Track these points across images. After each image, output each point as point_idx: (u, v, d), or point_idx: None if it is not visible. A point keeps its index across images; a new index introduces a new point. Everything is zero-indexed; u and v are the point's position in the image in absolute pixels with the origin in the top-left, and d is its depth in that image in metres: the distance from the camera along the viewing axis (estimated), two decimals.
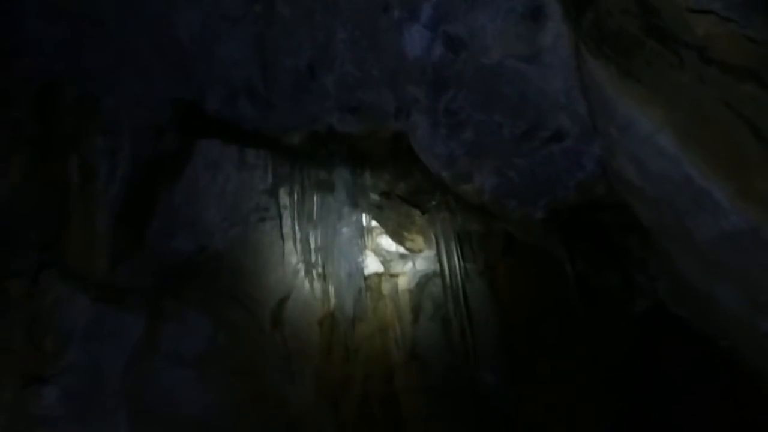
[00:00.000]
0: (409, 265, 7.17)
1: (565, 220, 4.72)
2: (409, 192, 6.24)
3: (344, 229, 6.19)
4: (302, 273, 5.98)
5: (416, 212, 6.44)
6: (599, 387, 6.06)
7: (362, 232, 6.43)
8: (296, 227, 5.87)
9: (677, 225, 3.28)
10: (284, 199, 5.83)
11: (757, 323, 3.13)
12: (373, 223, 6.70)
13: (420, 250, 6.89)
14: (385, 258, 7.06)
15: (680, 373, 5.47)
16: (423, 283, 7.17)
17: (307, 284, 6.00)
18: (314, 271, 6.04)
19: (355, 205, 6.14)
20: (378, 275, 7.10)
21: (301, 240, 5.90)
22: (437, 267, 6.58)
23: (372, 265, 7.04)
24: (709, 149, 2.96)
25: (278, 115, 5.28)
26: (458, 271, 6.38)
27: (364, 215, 6.43)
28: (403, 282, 7.21)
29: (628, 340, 5.89)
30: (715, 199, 2.91)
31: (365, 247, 6.61)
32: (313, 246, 5.98)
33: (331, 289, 6.10)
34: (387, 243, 6.91)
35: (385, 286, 7.13)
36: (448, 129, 4.46)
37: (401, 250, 6.92)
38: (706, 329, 3.99)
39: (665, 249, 3.71)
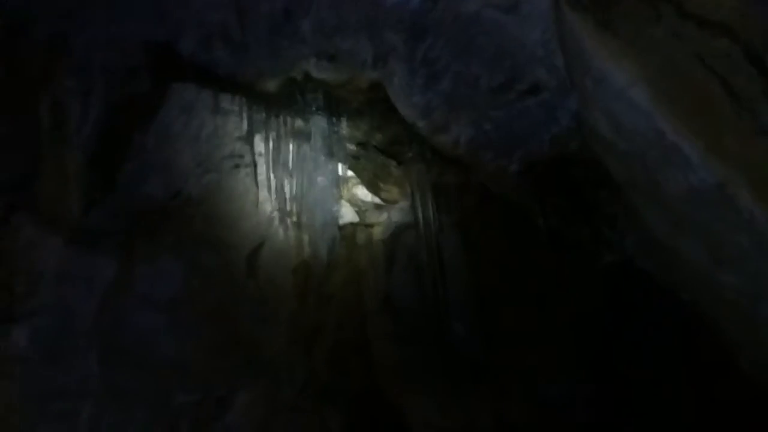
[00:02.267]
0: (384, 215, 7.19)
1: (539, 174, 4.76)
2: (386, 143, 6.22)
3: (320, 179, 6.17)
4: (277, 221, 5.97)
5: (392, 163, 6.43)
6: (568, 338, 6.21)
7: (338, 182, 6.43)
8: (271, 175, 5.84)
9: (647, 180, 3.33)
10: (259, 146, 5.78)
11: (717, 277, 3.22)
12: (349, 173, 6.70)
13: (395, 201, 6.91)
14: (360, 208, 7.08)
15: (645, 325, 5.63)
16: (397, 233, 7.20)
17: (281, 232, 6.00)
18: (289, 220, 6.04)
19: (331, 155, 6.11)
20: (353, 225, 7.12)
21: (276, 188, 5.88)
22: (412, 218, 6.62)
23: (347, 214, 7.06)
24: (682, 105, 2.99)
25: (254, 60, 5.20)
26: (432, 223, 6.43)
27: (340, 165, 6.42)
28: (377, 232, 7.23)
29: (596, 292, 6.02)
30: (684, 154, 2.95)
31: (340, 197, 6.62)
32: (288, 194, 5.97)
33: (306, 238, 6.11)
34: (363, 193, 6.93)
35: (360, 236, 7.16)
36: (425, 79, 4.44)
37: (377, 200, 6.94)
38: (669, 283, 4.09)
39: (634, 204, 3.77)
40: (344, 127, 5.93)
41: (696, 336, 4.46)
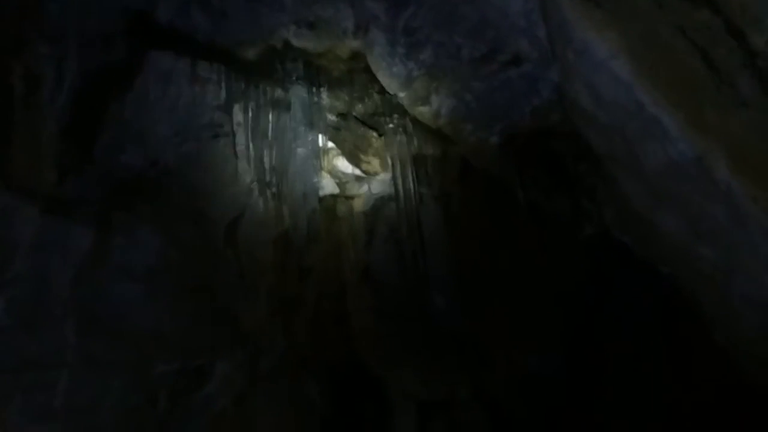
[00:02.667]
0: (365, 187, 7.18)
1: (520, 147, 4.77)
2: (367, 114, 6.18)
3: (300, 149, 6.12)
4: (256, 192, 5.92)
5: (373, 134, 6.40)
6: (549, 311, 6.28)
7: (318, 153, 6.39)
8: (251, 145, 5.78)
9: (627, 153, 3.34)
10: (238, 116, 5.70)
11: (694, 250, 3.25)
12: (330, 144, 6.65)
13: (376, 173, 6.89)
14: (340, 180, 7.05)
15: (626, 298, 5.69)
16: (378, 206, 7.20)
17: (261, 203, 5.95)
18: (268, 191, 6.00)
19: (312, 125, 6.06)
20: (333, 197, 7.10)
21: (255, 158, 5.83)
22: (393, 190, 6.61)
23: (327, 186, 7.03)
24: (662, 77, 2.99)
25: (232, 27, 5.11)
26: (413, 195, 6.43)
27: (320, 135, 6.37)
28: (358, 204, 7.23)
29: (576, 265, 6.08)
30: (664, 126, 2.96)
31: (321, 168, 6.58)
32: (267, 165, 5.92)
33: (286, 209, 6.07)
34: (343, 165, 6.89)
35: (340, 208, 7.15)
36: (406, 48, 4.40)
37: (357, 172, 6.91)
38: (648, 256, 4.13)
39: (614, 177, 3.79)
40: (325, 98, 5.88)
41: (674, 309, 4.52)
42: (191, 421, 4.95)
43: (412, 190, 6.44)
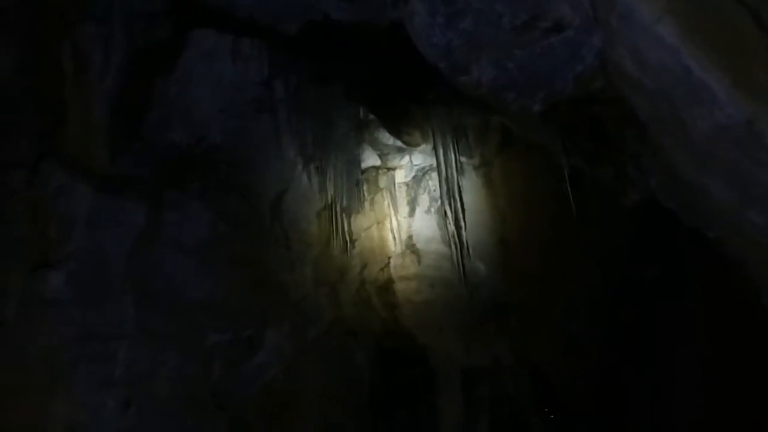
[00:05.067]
0: (406, 158, 7.21)
1: (562, 114, 4.69)
2: (407, 85, 6.17)
3: (341, 122, 6.18)
4: (300, 166, 6.02)
5: (414, 106, 6.40)
6: (589, 278, 6.27)
7: (359, 126, 6.43)
8: (293, 120, 5.85)
9: (673, 118, 3.29)
10: (280, 91, 5.77)
11: (745, 215, 3.20)
12: (371, 116, 6.68)
13: (417, 144, 6.91)
14: (382, 151, 7.08)
15: (670, 265, 5.65)
16: (419, 176, 7.24)
17: (305, 177, 6.05)
18: (312, 164, 6.09)
19: (352, 98, 6.09)
20: (375, 168, 7.15)
21: (298, 133, 5.90)
22: (434, 161, 6.63)
23: (369, 158, 7.07)
24: (709, 39, 2.93)
25: (273, 2, 5.13)
26: (454, 165, 6.45)
27: (361, 108, 6.40)
28: (399, 175, 7.28)
29: (619, 232, 6.04)
30: (712, 90, 2.91)
31: (362, 141, 6.63)
32: (310, 139, 5.99)
33: (329, 182, 6.16)
34: (384, 136, 6.91)
35: (382, 180, 7.20)
36: (446, 18, 4.34)
37: (398, 143, 6.93)
38: (694, 222, 4.08)
39: (659, 143, 3.74)
40: (365, 70, 5.89)
41: (720, 275, 4.47)
42: (244, 389, 5.12)
43: (453, 160, 6.45)
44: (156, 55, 5.16)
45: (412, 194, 7.24)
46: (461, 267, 6.50)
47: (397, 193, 7.25)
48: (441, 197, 6.65)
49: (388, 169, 7.24)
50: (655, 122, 3.62)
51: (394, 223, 7.12)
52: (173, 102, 5.22)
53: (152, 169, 5.00)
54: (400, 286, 6.84)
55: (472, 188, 6.87)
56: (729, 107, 2.87)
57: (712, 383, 5.13)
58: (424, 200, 7.22)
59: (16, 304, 4.23)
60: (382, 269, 6.89)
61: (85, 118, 4.80)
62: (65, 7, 4.83)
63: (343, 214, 6.25)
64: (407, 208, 7.26)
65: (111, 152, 4.90)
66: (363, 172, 6.80)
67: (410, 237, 7.07)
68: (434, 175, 6.81)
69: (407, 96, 6.23)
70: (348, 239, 6.31)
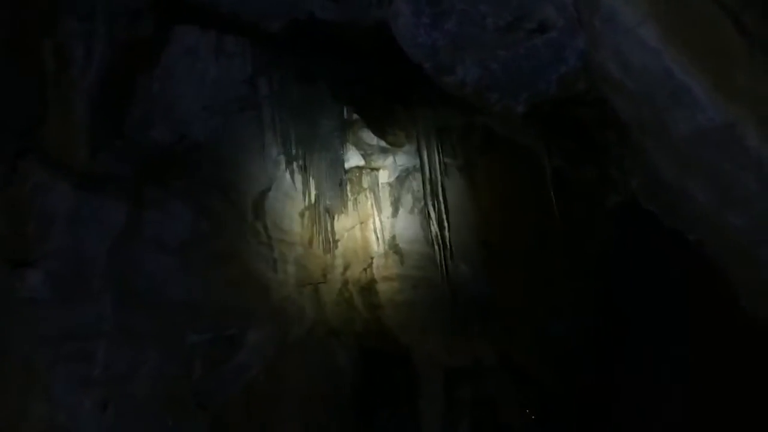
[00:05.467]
0: (390, 159, 7.20)
1: (545, 115, 4.72)
2: (392, 85, 6.16)
3: (325, 122, 6.15)
4: (283, 165, 5.99)
5: (398, 106, 6.39)
6: (573, 278, 6.31)
7: (343, 125, 6.41)
8: (276, 118, 5.83)
9: (655, 120, 3.32)
10: (264, 89, 5.74)
11: (725, 217, 3.23)
12: (355, 116, 6.66)
13: (401, 145, 6.90)
14: (366, 151, 7.07)
15: (651, 267, 5.69)
16: (403, 177, 7.24)
17: (288, 176, 6.03)
18: (295, 163, 6.06)
19: (337, 97, 6.07)
20: (359, 168, 7.14)
21: (281, 131, 5.88)
22: (417, 162, 6.64)
23: (353, 158, 7.06)
24: (691, 43, 2.95)
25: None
26: (438, 166, 6.46)
27: (345, 108, 6.38)
28: (383, 175, 7.27)
29: (602, 234, 6.08)
30: (693, 93, 2.94)
31: (346, 140, 6.61)
32: (293, 138, 5.96)
33: (312, 182, 6.14)
34: (368, 136, 6.90)
35: (366, 180, 7.19)
36: (431, 18, 4.34)
37: (382, 144, 6.92)
38: (675, 224, 4.11)
39: (641, 145, 3.76)
40: (350, 70, 5.87)
41: (701, 277, 4.51)
42: (225, 389, 5.10)
43: (437, 161, 6.46)
44: (138, 52, 5.10)
45: (396, 195, 7.24)
46: (444, 268, 6.50)
47: (381, 194, 7.23)
48: (424, 198, 6.65)
49: (372, 169, 7.23)
50: (637, 124, 3.64)
51: (378, 223, 7.11)
52: (155, 99, 5.17)
53: (133, 166, 4.95)
54: (382, 287, 6.84)
55: (455, 189, 6.88)
56: (710, 110, 2.90)
57: (695, 384, 5.17)
58: (407, 201, 7.22)
59: None
60: (365, 269, 6.88)
61: (66, 115, 4.73)
62: (47, 3, 4.77)
63: (327, 214, 6.23)
64: (391, 209, 7.26)
65: (92, 149, 4.83)
66: (347, 172, 6.78)
67: (393, 237, 7.07)
68: (418, 175, 6.81)
69: (392, 96, 6.22)
70: (331, 239, 6.30)
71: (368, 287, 6.77)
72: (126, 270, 4.61)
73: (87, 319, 4.44)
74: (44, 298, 4.26)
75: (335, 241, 6.46)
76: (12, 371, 4.12)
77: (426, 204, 6.68)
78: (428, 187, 6.47)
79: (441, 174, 6.52)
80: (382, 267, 6.91)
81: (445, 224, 6.50)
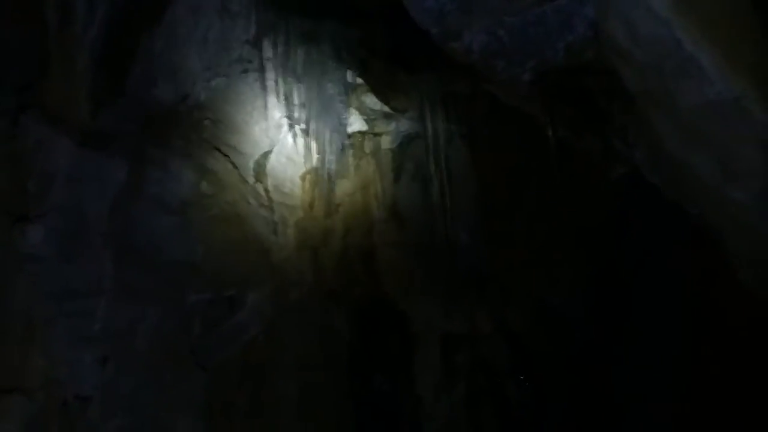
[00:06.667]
0: (393, 124, 7.14)
1: (552, 84, 4.68)
2: (397, 50, 6.10)
3: (329, 85, 6.10)
4: (285, 127, 5.96)
5: (403, 71, 6.33)
6: (573, 249, 6.33)
7: (347, 89, 6.35)
8: (280, 80, 5.78)
9: (662, 91, 3.30)
10: (268, 51, 5.68)
11: (726, 191, 3.23)
12: (358, 80, 6.60)
13: (404, 110, 6.84)
14: (368, 116, 6.99)
15: (652, 239, 5.70)
16: (406, 143, 7.18)
17: (290, 139, 6.01)
18: (297, 126, 6.03)
19: (341, 60, 6.01)
20: (361, 133, 7.07)
21: (284, 94, 5.84)
22: (421, 128, 6.60)
23: (355, 123, 6.99)
24: (702, 13, 2.92)
25: None
26: (441, 133, 6.42)
27: (349, 71, 6.31)
28: (386, 141, 7.21)
29: (603, 204, 6.08)
30: (702, 65, 2.91)
31: (349, 105, 6.55)
32: (296, 101, 5.92)
33: (314, 145, 6.11)
34: (371, 101, 6.83)
35: (368, 145, 7.14)
36: None
37: (386, 109, 6.85)
38: (677, 197, 4.11)
39: (647, 116, 3.74)
40: (354, 32, 5.82)
41: (701, 250, 4.52)
42: (223, 349, 5.16)
43: (440, 127, 6.42)
44: (142, 8, 5.04)
45: (398, 161, 7.19)
46: (445, 234, 6.51)
47: (383, 159, 7.20)
48: (427, 164, 6.63)
49: (375, 134, 7.17)
50: (643, 95, 3.62)
51: (379, 189, 7.09)
52: (158, 58, 5.11)
53: (136, 125, 4.92)
54: (382, 252, 6.85)
55: (458, 157, 6.84)
56: (718, 83, 2.88)
57: (694, 355, 5.22)
58: (409, 167, 7.17)
59: None
60: (365, 234, 6.88)
61: (68, 71, 4.70)
62: None
63: (328, 178, 6.21)
64: (392, 175, 7.22)
65: (94, 106, 4.80)
66: (349, 136, 6.73)
67: (394, 203, 7.05)
68: (421, 142, 6.77)
69: (396, 60, 6.16)
70: (332, 203, 6.29)
71: (368, 252, 6.78)
72: (126, 228, 4.64)
73: (87, 276, 4.48)
74: (44, 255, 4.29)
75: (336, 206, 6.46)
76: (11, 326, 4.16)
77: (428, 171, 6.66)
78: (431, 153, 6.45)
79: (444, 140, 6.49)
80: (383, 232, 6.91)
81: (447, 191, 6.50)
